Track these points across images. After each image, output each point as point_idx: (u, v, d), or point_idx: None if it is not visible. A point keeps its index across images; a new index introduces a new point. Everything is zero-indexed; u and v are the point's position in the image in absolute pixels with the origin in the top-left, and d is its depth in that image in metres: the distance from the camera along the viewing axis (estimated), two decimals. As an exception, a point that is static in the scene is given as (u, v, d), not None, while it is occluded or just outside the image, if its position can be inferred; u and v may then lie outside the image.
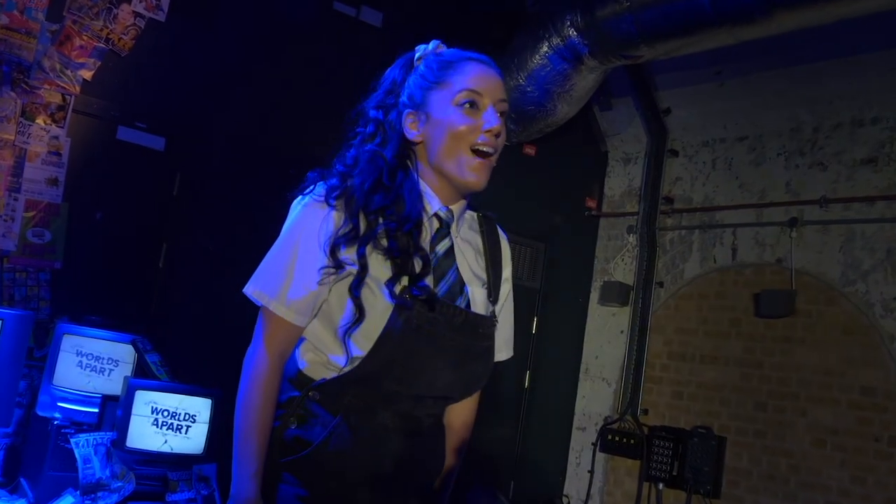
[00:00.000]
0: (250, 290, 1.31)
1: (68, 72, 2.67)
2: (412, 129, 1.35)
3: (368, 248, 1.27)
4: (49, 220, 2.66)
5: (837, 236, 3.58)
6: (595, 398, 4.35)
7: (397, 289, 1.26)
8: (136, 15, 2.77)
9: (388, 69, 1.42)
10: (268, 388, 1.27)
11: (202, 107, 2.97)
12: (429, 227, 1.36)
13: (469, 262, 1.40)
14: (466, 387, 1.40)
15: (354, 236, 1.26)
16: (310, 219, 1.29)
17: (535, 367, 4.20)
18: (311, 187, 1.32)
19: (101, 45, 2.72)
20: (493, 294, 1.42)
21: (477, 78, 1.34)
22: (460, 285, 1.36)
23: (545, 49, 3.48)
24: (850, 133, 3.61)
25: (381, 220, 1.29)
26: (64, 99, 2.67)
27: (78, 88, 2.71)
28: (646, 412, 4.10)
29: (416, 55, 1.40)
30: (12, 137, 2.59)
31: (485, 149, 1.32)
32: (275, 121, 3.08)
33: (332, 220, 1.28)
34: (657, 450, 3.88)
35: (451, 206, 1.38)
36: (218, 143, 3.01)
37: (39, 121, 2.64)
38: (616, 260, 4.43)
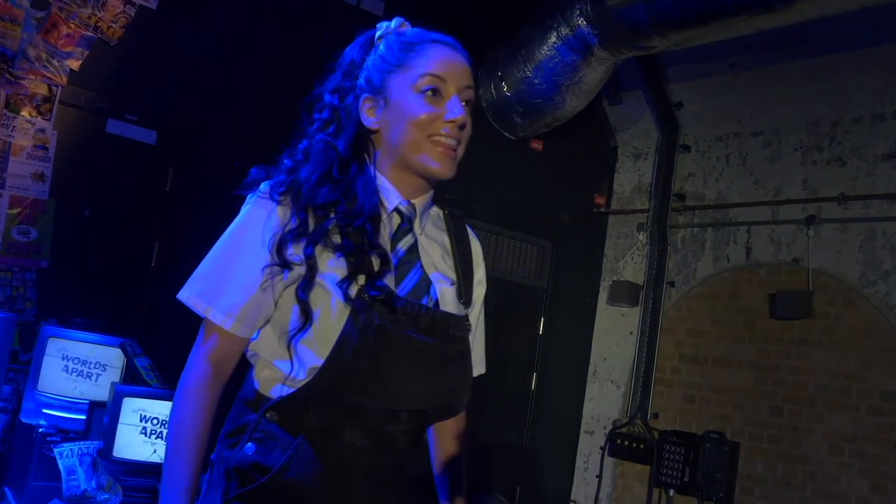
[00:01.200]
0: (184, 295, 1.21)
1: (55, 61, 2.64)
2: (369, 115, 1.27)
3: (319, 248, 1.18)
4: (35, 217, 2.63)
5: (857, 235, 3.54)
6: (603, 401, 4.32)
7: (354, 289, 1.17)
8: (126, 2, 2.74)
9: (347, 48, 1.34)
10: (201, 398, 1.18)
11: (195, 98, 2.94)
12: (388, 224, 1.27)
13: (435, 260, 1.31)
14: (443, 400, 1.28)
15: (302, 233, 1.18)
16: (252, 217, 1.21)
17: (542, 368, 4.20)
18: (256, 185, 1.24)
19: (89, 33, 2.69)
20: (464, 295, 1.33)
21: (441, 62, 1.24)
22: (426, 284, 1.26)
23: (553, 39, 3.45)
24: (871, 127, 3.58)
25: (331, 216, 1.20)
26: (50, 90, 2.65)
27: (65, 79, 2.68)
28: (656, 416, 4.07)
29: (377, 34, 1.31)
30: (-5, 130, 2.56)
31: (447, 140, 1.24)
32: (271, 112, 3.01)
33: (276, 216, 1.19)
34: (668, 455, 3.85)
35: (413, 201, 1.29)
36: (212, 136, 2.99)
37: (24, 113, 2.61)
38: (625, 259, 4.40)
